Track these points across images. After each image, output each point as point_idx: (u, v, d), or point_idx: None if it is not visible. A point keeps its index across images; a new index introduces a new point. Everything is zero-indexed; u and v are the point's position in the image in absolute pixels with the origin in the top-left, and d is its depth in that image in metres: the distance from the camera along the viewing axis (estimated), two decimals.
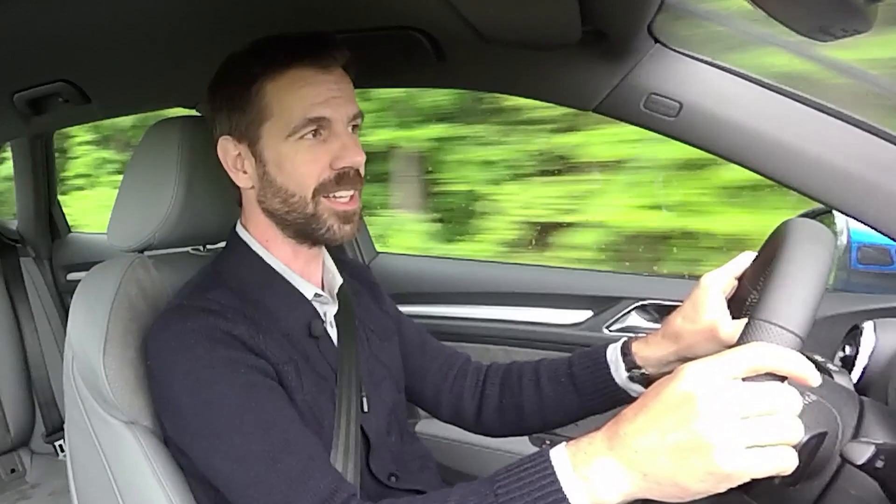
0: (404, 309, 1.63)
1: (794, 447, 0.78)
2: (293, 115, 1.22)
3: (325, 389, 1.26)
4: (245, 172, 1.29)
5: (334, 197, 1.25)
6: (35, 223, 2.97)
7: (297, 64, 1.23)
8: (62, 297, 2.97)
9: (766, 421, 0.77)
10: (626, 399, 1.33)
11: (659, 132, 1.48)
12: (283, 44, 1.24)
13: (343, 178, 1.24)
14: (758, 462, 0.76)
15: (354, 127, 1.28)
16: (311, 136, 1.23)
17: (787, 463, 0.77)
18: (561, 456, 0.88)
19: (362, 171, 1.28)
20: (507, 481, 0.91)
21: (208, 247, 1.57)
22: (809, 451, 0.88)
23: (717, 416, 0.76)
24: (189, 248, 1.56)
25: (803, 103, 1.39)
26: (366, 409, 1.33)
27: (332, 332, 1.35)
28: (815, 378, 0.79)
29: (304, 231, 1.28)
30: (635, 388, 1.32)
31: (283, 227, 1.29)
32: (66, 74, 1.97)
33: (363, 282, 1.54)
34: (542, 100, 1.62)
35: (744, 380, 0.79)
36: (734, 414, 0.76)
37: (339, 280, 1.39)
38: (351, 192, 1.26)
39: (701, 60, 1.45)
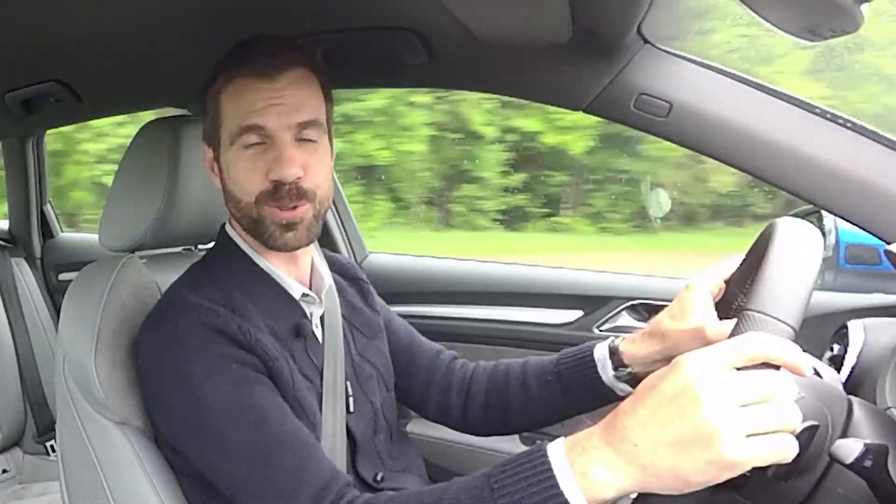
0: (394, 309, 1.63)
1: (792, 433, 0.79)
2: (231, 123, 1.24)
3: (311, 390, 1.27)
4: (217, 175, 1.32)
5: (272, 206, 1.24)
6: (26, 223, 2.96)
7: (239, 72, 1.23)
8: (53, 297, 2.96)
9: (764, 408, 0.77)
10: (612, 398, 1.34)
11: (649, 132, 1.48)
12: (237, 51, 1.26)
13: (279, 191, 1.22)
14: (759, 449, 0.76)
15: (307, 136, 1.25)
16: (253, 144, 1.23)
17: (787, 449, 0.77)
18: (558, 451, 0.87)
19: (307, 183, 1.24)
20: (503, 476, 0.91)
21: (199, 247, 1.57)
22: (802, 444, 0.88)
23: (716, 405, 0.77)
24: (180, 248, 1.56)
25: (793, 104, 1.39)
26: (351, 409, 1.33)
27: (319, 333, 1.35)
28: (807, 367, 0.80)
29: (254, 236, 1.29)
30: (622, 387, 1.33)
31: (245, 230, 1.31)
32: (57, 74, 1.97)
33: (351, 279, 1.54)
34: (532, 100, 1.63)
35: (738, 369, 0.79)
36: (733, 402, 0.77)
37: (327, 282, 1.39)
38: (291, 205, 1.23)
39: (691, 61, 1.46)
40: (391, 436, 1.43)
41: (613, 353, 1.34)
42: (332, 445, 1.27)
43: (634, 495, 0.87)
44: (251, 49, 1.25)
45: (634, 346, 1.32)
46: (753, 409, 0.77)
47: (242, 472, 1.11)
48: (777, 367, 0.79)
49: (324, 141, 1.29)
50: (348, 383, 1.35)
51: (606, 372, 1.34)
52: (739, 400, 0.77)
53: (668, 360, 1.18)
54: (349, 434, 1.31)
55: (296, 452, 1.11)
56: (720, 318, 1.22)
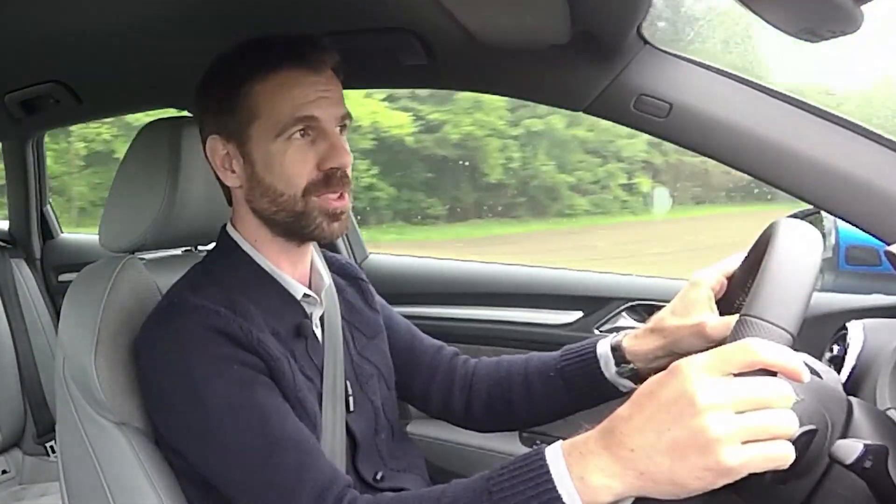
0: (394, 310, 1.63)
1: (789, 440, 0.79)
2: (282, 115, 1.22)
3: (312, 389, 1.27)
4: (233, 172, 1.29)
5: (323, 196, 1.25)
6: (26, 224, 2.96)
7: (286, 65, 1.23)
8: (53, 298, 2.96)
9: (761, 414, 0.77)
10: (615, 395, 1.34)
11: (649, 133, 1.49)
12: (273, 45, 1.25)
13: (331, 180, 1.24)
14: (755, 456, 0.76)
15: (343, 128, 1.29)
16: (299, 136, 1.23)
17: (783, 455, 0.77)
18: (556, 455, 0.88)
19: (350, 172, 1.27)
20: (501, 479, 0.91)
21: (200, 248, 1.57)
22: (800, 448, 0.88)
23: (713, 411, 0.77)
24: (181, 250, 1.56)
25: (792, 104, 1.40)
26: (351, 408, 1.33)
27: (319, 333, 1.35)
28: (804, 374, 0.80)
29: (292, 229, 1.28)
30: (624, 383, 1.33)
31: (272, 226, 1.29)
32: (57, 75, 1.97)
33: (350, 279, 1.54)
34: (532, 100, 1.63)
35: (736, 375, 0.79)
36: (730, 409, 0.77)
37: (326, 281, 1.39)
38: (340, 192, 1.26)
39: (691, 61, 1.46)
40: (392, 435, 1.43)
41: (616, 349, 1.34)
42: (332, 445, 1.27)
43: (632, 500, 0.87)
44: (293, 43, 1.25)
45: (637, 343, 1.32)
46: (750, 415, 0.77)
47: (243, 474, 1.12)
48: (774, 374, 0.80)
49: None
50: (348, 383, 1.35)
51: (609, 368, 1.34)
52: (736, 406, 0.77)
53: (670, 356, 1.19)
54: (349, 433, 1.32)
55: (297, 454, 1.11)
56: (721, 316, 1.22)
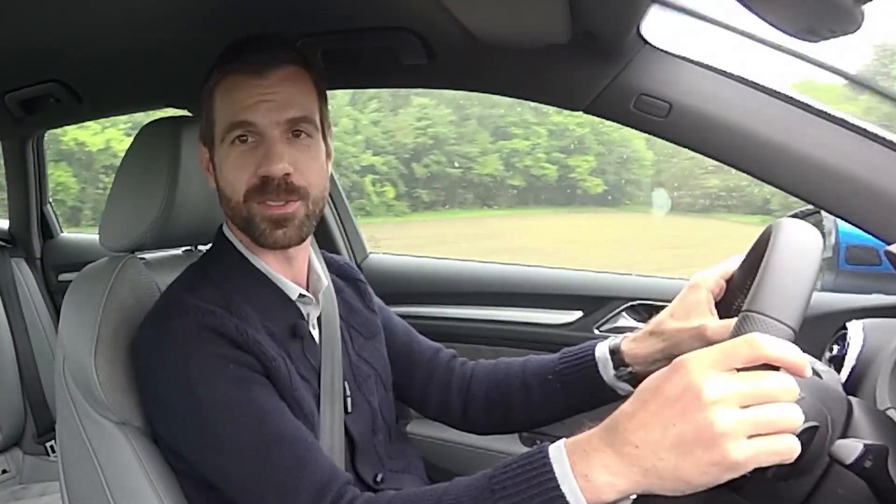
0: (394, 309, 1.63)
1: (793, 433, 0.79)
2: (223, 120, 1.24)
3: (308, 390, 1.27)
4: (212, 174, 1.32)
5: (265, 202, 1.23)
6: (26, 223, 2.95)
7: (233, 69, 1.24)
8: (53, 297, 2.96)
9: (766, 408, 0.77)
10: (612, 398, 1.34)
11: (649, 132, 1.48)
12: (230, 49, 1.26)
13: (266, 187, 1.22)
14: (762, 450, 0.77)
15: (299, 133, 1.25)
16: (238, 142, 1.23)
17: (789, 449, 0.78)
18: (559, 453, 0.88)
19: (298, 180, 1.23)
20: (504, 477, 0.91)
21: (200, 247, 1.57)
22: (802, 445, 0.88)
23: (719, 406, 0.77)
24: (181, 250, 1.56)
25: (792, 104, 1.39)
26: (349, 409, 1.33)
27: (316, 334, 1.35)
28: (807, 368, 0.80)
29: (248, 234, 1.28)
30: (622, 386, 1.33)
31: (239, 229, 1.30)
32: (57, 74, 1.97)
33: (348, 279, 1.54)
34: (532, 100, 1.62)
35: (739, 370, 0.79)
36: (735, 403, 0.77)
37: (324, 282, 1.39)
38: (280, 202, 1.23)
39: (690, 61, 1.45)
40: (390, 436, 1.43)
41: (614, 352, 1.34)
42: (331, 446, 1.27)
43: (634, 496, 0.87)
44: (243, 47, 1.25)
45: (635, 346, 1.32)
46: (755, 409, 0.77)
47: (242, 472, 1.12)
48: (777, 368, 0.80)
49: (317, 139, 1.29)
50: (346, 383, 1.35)
51: (607, 371, 1.34)
52: (741, 400, 0.77)
53: (669, 359, 1.19)
54: (347, 434, 1.32)
55: (295, 451, 1.11)
56: (721, 318, 1.22)
